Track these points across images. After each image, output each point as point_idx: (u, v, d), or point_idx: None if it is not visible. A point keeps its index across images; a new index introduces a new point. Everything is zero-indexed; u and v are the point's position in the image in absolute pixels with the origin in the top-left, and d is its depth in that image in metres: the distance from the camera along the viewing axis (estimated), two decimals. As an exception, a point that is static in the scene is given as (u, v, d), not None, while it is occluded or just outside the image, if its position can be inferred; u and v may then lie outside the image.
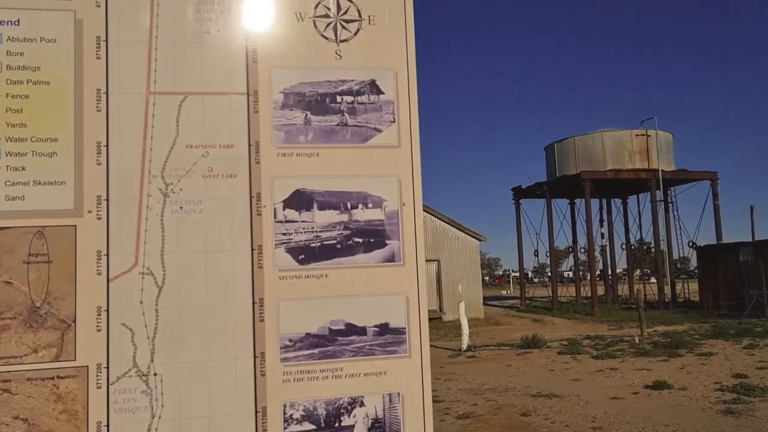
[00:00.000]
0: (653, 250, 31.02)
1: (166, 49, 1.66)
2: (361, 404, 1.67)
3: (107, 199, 1.57)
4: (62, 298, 1.53)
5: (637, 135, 27.13)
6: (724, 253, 24.41)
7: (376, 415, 1.68)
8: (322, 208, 1.70)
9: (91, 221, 1.56)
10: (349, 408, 1.66)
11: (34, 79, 1.57)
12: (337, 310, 1.69)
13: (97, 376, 1.52)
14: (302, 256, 1.67)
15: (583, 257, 33.44)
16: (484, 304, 28.12)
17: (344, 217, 1.71)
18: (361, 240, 1.72)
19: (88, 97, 1.59)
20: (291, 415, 1.62)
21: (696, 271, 27.48)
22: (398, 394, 1.70)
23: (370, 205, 1.73)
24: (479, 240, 26.02)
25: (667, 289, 28.06)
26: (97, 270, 1.55)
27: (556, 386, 8.88)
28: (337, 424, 1.64)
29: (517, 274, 38.41)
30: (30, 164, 1.54)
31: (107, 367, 1.53)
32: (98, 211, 1.57)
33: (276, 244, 1.66)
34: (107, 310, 1.54)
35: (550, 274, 33.93)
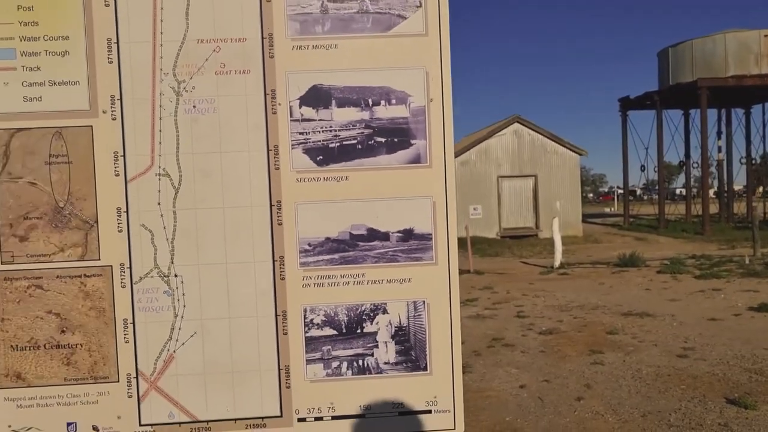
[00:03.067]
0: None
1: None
2: (384, 311, 1.71)
3: (121, 99, 1.63)
4: (84, 198, 1.64)
5: (767, 35, 24.46)
6: None
7: (400, 323, 1.72)
8: (341, 105, 1.68)
9: (106, 122, 1.63)
10: (372, 314, 1.71)
11: (42, -27, 1.62)
12: (359, 215, 1.70)
13: (120, 275, 1.65)
14: (321, 157, 1.68)
15: (696, 173, 31.31)
16: (585, 221, 27.57)
17: (365, 115, 1.68)
18: (383, 140, 1.70)
19: (95, -8, 1.63)
20: (311, 319, 1.69)
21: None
22: (423, 302, 1.72)
23: (393, 102, 1.69)
24: (580, 154, 25.15)
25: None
26: (115, 171, 1.64)
27: (650, 306, 8.69)
28: (359, 330, 1.71)
29: (623, 191, 36.76)
30: (44, 64, 1.63)
31: (130, 268, 1.65)
32: (112, 111, 1.64)
33: (293, 145, 1.67)
34: (126, 212, 1.64)
35: (656, 193, 32.28)
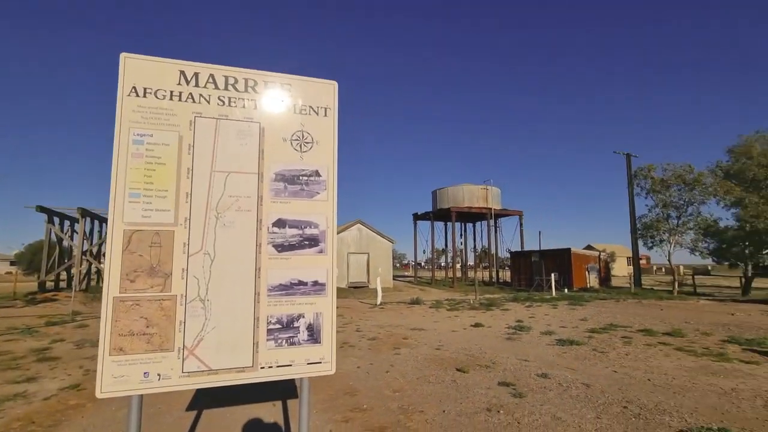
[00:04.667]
0: (487, 252, 33.18)
1: (221, 151, 2.11)
2: (303, 317, 2.14)
3: (189, 219, 2.01)
4: (165, 263, 1.95)
5: (481, 188, 29.18)
6: (524, 256, 26.32)
7: (311, 322, 2.15)
8: (290, 227, 2.17)
9: (181, 229, 1.99)
10: (298, 317, 2.13)
11: (158, 162, 1.99)
12: (294, 274, 2.15)
13: (180, 299, 1.95)
14: (279, 248, 2.13)
15: (450, 255, 34.85)
16: (394, 279, 28.93)
17: (300, 232, 2.18)
18: (308, 242, 2.19)
19: (183, 172, 2.01)
20: (270, 321, 2.08)
21: (510, 265, 29.38)
22: (321, 313, 2.17)
23: (312, 227, 2.21)
24: (392, 242, 26.84)
25: (494, 274, 29.89)
26: (183, 251, 1.98)
27: (424, 324, 9.47)
28: (292, 325, 2.12)
29: (414, 263, 39.29)
30: (153, 201, 1.96)
31: (185, 296, 1.96)
32: (185, 224, 2.00)
33: (268, 242, 2.11)
34: (186, 270, 1.97)
35: (430, 264, 35.20)
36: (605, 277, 26.36)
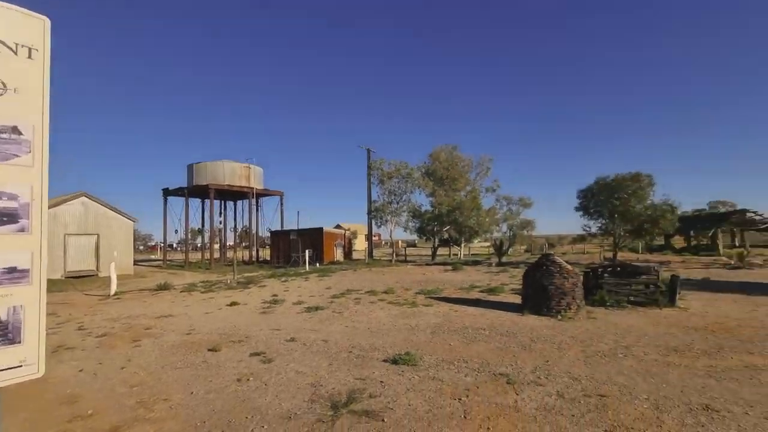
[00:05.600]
0: (248, 231, 32.65)
1: None
2: None
3: None
4: None
5: (243, 167, 28.25)
6: (283, 234, 27.56)
7: (4, 319, 1.69)
8: None
9: None
10: None
11: None
12: None
13: None
14: None
15: (208, 235, 32.24)
16: (136, 264, 24.49)
17: None
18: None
19: None
20: None
21: (270, 243, 30.04)
22: (21, 306, 1.74)
23: (6, 198, 1.72)
24: (133, 221, 22.40)
25: (254, 253, 29.83)
26: None
27: (173, 310, 8.52)
28: None
29: (164, 245, 34.16)
30: None
31: None
32: None
33: None
34: None
35: (184, 245, 31.54)
36: (348, 251, 30.83)
